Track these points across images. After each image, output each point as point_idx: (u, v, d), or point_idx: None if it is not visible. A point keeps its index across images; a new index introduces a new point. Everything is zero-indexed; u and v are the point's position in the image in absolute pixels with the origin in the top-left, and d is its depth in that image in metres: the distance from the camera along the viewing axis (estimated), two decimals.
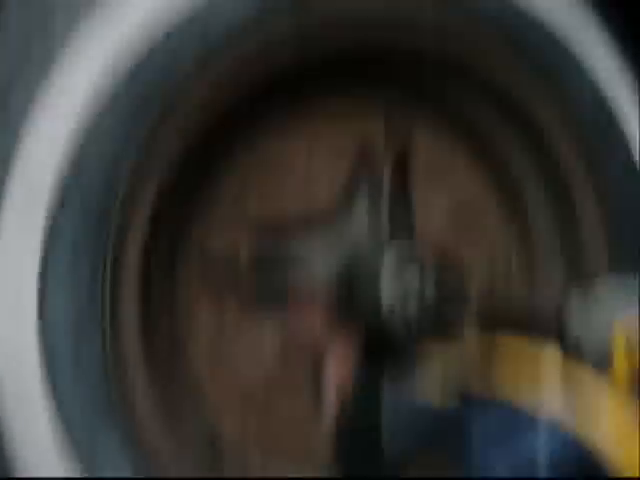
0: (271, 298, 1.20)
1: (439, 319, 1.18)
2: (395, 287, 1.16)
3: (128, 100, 0.96)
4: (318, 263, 1.21)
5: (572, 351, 1.07)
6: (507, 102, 1.31)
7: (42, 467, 0.92)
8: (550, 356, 1.06)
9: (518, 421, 1.02)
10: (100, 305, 0.95)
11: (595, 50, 1.31)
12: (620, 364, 1.01)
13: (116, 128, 0.96)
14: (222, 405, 1.18)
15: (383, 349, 1.20)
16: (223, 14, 1.01)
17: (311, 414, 1.21)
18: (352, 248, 1.22)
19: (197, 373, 1.17)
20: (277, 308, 1.21)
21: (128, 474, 0.97)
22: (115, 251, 0.97)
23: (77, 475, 0.92)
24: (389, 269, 1.17)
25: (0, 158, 0.91)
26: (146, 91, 0.97)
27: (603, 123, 1.32)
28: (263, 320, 1.21)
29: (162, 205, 1.05)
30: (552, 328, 1.11)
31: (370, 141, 1.28)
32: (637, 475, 0.97)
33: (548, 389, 1.03)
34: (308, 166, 1.24)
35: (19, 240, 0.91)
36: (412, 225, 1.29)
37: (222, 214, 1.18)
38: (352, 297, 1.18)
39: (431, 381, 1.13)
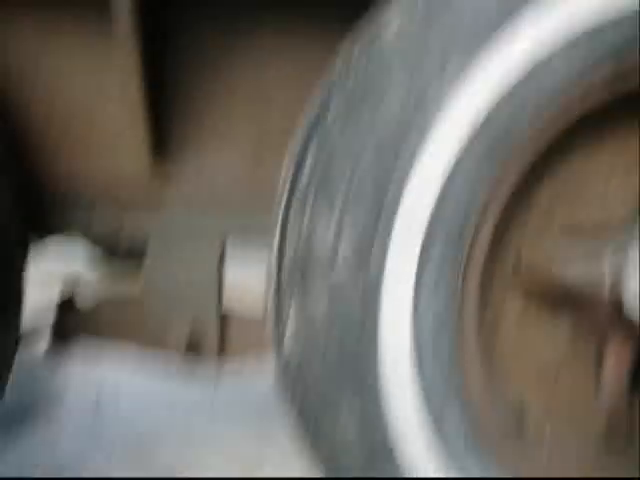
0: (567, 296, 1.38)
1: None
2: None
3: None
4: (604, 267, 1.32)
5: None
6: None
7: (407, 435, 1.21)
8: None
9: None
10: (452, 311, 1.22)
11: None
12: None
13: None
14: (524, 381, 1.41)
15: None
16: None
17: (592, 395, 1.42)
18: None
19: (505, 357, 1.40)
20: (571, 304, 1.39)
21: (463, 443, 1.25)
22: (464, 268, 1.21)
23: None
24: None
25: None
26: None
27: None
28: (559, 314, 1.40)
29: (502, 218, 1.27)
30: None
31: None
32: None
33: None
34: (607, 180, 1.36)
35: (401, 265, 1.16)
36: None
37: (535, 223, 1.35)
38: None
39: None
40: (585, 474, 1.42)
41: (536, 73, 1.15)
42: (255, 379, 3.03)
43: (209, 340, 1.77)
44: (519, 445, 1.37)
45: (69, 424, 2.56)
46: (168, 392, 2.97)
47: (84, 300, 1.87)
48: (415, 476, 1.23)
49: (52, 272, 3.69)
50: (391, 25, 1.20)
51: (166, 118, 1.68)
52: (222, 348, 1.79)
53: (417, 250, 1.16)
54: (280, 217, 1.25)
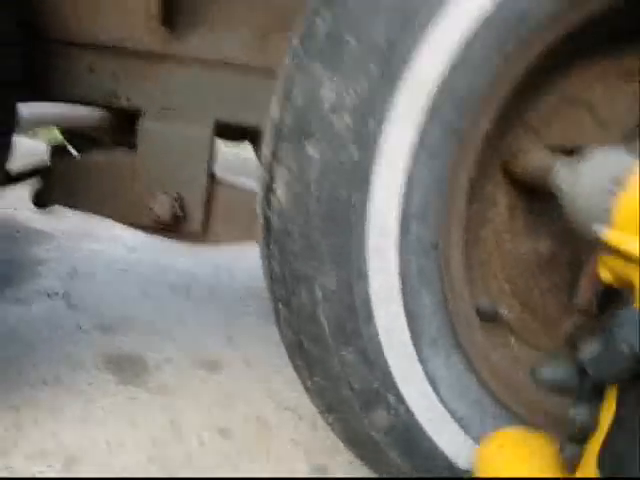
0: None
1: None
2: None
3: None
4: None
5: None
6: None
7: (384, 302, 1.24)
8: None
9: None
10: (444, 183, 1.23)
11: None
12: None
13: None
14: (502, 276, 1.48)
15: None
16: None
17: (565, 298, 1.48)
18: None
19: (488, 252, 1.46)
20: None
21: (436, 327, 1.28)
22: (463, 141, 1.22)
23: None
24: None
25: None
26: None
27: None
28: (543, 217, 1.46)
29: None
30: None
31: None
32: None
33: None
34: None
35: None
36: None
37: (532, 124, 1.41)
38: None
39: None
40: None
41: None
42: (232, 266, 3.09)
43: (194, 214, 1.77)
44: (492, 334, 1.41)
45: (43, 289, 2.58)
46: (144, 269, 3.00)
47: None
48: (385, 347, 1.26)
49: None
50: None
51: None
52: (206, 226, 1.79)
53: (418, 122, 1.17)
54: (285, 78, 1.24)
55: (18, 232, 3.19)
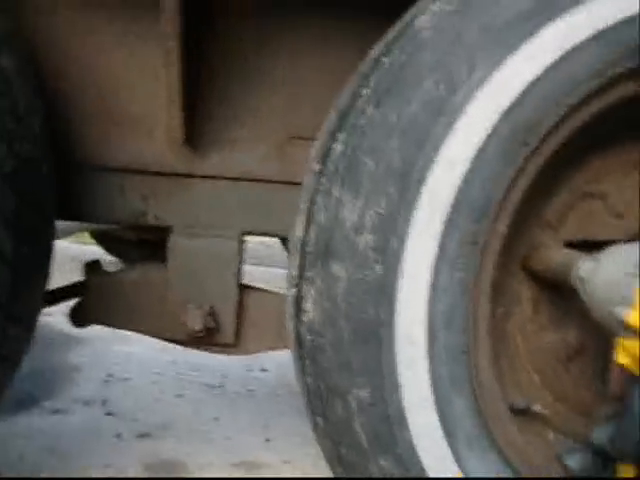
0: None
1: None
2: None
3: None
4: None
5: None
6: None
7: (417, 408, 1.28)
8: None
9: None
10: (467, 294, 1.27)
11: None
12: None
13: None
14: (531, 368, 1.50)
15: None
16: None
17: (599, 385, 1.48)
18: None
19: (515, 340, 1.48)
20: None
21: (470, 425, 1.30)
22: (481, 254, 1.28)
23: None
24: None
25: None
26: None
27: None
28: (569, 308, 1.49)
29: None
30: None
31: None
32: None
33: None
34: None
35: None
36: None
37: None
38: None
39: None
40: None
41: (562, 65, 1.22)
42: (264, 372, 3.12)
43: (226, 326, 1.82)
44: (526, 427, 1.42)
45: (80, 397, 2.62)
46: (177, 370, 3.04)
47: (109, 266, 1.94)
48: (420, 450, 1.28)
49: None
50: (425, 15, 1.26)
51: (200, 105, 1.74)
52: (238, 335, 1.84)
53: (438, 231, 1.22)
54: (307, 198, 1.31)
55: (53, 338, 3.26)
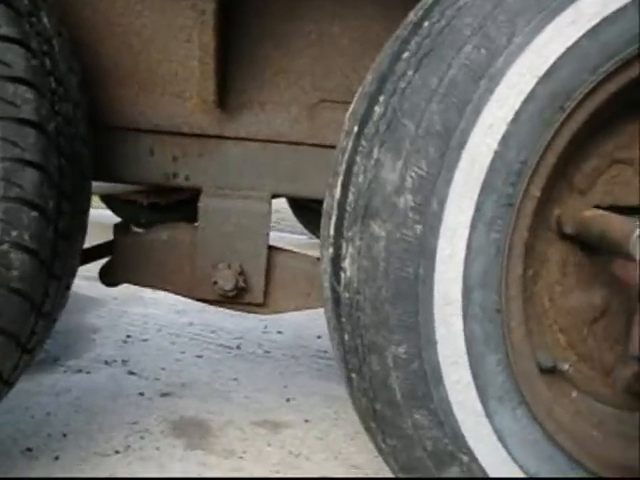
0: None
1: None
2: None
3: None
4: None
5: None
6: None
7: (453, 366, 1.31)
8: None
9: None
10: (501, 253, 1.30)
11: None
12: None
13: None
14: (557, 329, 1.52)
15: None
16: None
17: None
18: None
19: (542, 301, 1.50)
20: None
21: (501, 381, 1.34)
22: (517, 213, 1.31)
23: None
24: None
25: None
26: None
27: None
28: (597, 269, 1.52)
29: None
30: None
31: None
32: None
33: None
34: None
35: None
36: None
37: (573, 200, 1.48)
38: None
39: None
40: (607, 422, 1.52)
41: (601, 31, 1.25)
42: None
43: (255, 286, 1.86)
44: (552, 385, 1.47)
45: (101, 357, 2.67)
46: (194, 332, 3.08)
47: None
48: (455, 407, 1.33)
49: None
50: None
51: (232, 67, 1.76)
52: (267, 295, 1.88)
53: (476, 193, 1.25)
54: (346, 159, 1.33)
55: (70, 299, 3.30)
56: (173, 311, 3.30)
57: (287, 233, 5.53)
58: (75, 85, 1.53)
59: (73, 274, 1.63)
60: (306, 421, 2.29)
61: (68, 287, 1.60)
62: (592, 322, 1.54)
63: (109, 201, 4.93)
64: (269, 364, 2.79)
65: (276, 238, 4.96)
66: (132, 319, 3.18)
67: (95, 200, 5.04)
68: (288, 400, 2.45)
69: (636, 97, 1.40)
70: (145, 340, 2.93)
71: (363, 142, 1.30)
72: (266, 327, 3.21)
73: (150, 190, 4.01)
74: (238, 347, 2.95)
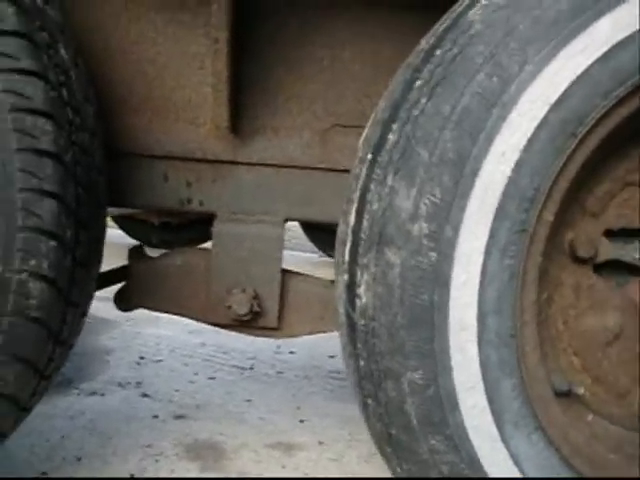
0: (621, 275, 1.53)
1: None
2: None
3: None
4: None
5: None
6: None
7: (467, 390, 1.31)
8: None
9: None
10: (515, 280, 1.31)
11: None
12: None
13: None
14: (572, 352, 1.53)
15: None
16: None
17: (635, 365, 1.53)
18: None
19: (556, 324, 1.51)
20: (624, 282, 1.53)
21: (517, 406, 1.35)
22: (530, 240, 1.31)
23: None
24: None
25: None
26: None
27: None
28: (610, 292, 1.52)
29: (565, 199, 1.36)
30: None
31: None
32: None
33: None
34: None
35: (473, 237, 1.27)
36: None
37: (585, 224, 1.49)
38: None
39: None
40: (624, 445, 1.52)
41: (610, 58, 1.26)
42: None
43: (269, 310, 1.87)
44: (568, 409, 1.47)
45: (115, 379, 2.68)
46: (207, 353, 3.09)
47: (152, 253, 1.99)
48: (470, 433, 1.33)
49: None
50: (476, 8, 1.30)
51: (245, 93, 1.78)
52: (280, 320, 1.89)
53: (489, 219, 1.26)
54: (360, 186, 1.35)
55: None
56: (186, 332, 3.31)
57: (298, 251, 5.53)
58: (91, 114, 1.55)
59: (89, 301, 1.64)
60: (320, 443, 2.30)
61: (84, 314, 1.61)
62: (607, 345, 1.54)
63: (121, 221, 4.97)
64: (282, 385, 2.80)
65: (287, 256, 4.99)
66: (145, 340, 3.19)
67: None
68: (302, 421, 2.45)
69: None
70: (158, 361, 2.94)
71: (377, 170, 1.32)
72: (279, 347, 3.22)
73: (162, 211, 4.04)
74: (251, 368, 2.96)
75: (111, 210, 3.95)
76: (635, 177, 1.50)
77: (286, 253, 5.08)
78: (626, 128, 1.38)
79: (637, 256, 1.53)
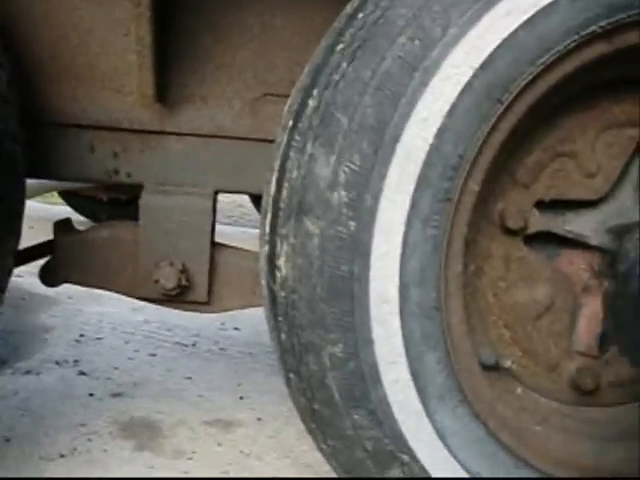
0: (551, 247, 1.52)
1: None
2: None
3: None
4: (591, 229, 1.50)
5: None
6: None
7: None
8: None
9: None
10: (440, 249, 1.27)
11: None
12: None
13: None
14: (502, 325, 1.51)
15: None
16: None
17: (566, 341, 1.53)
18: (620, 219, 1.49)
19: (486, 297, 1.49)
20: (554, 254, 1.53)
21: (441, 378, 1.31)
22: (455, 207, 1.28)
23: None
24: None
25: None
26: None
27: None
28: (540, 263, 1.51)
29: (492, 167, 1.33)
30: None
31: None
32: None
33: None
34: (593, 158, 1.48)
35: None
36: None
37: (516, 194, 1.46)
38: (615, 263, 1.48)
39: None
40: (551, 417, 1.51)
41: (536, 23, 1.23)
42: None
43: (199, 284, 1.82)
44: (496, 382, 1.45)
45: (52, 358, 2.62)
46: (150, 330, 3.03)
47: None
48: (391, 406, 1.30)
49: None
50: None
51: (172, 61, 1.72)
52: (211, 294, 1.84)
53: (411, 188, 1.22)
54: (280, 154, 1.30)
55: (24, 299, 3.24)
56: (129, 309, 3.24)
57: (250, 228, 5.47)
58: (4, 81, 1.48)
59: (6, 277, 1.57)
60: (259, 419, 2.26)
61: (1, 290, 1.55)
62: (537, 317, 1.52)
63: (68, 198, 4.85)
64: (224, 362, 2.76)
65: (238, 233, 4.93)
66: (87, 318, 3.12)
67: (55, 197, 4.97)
68: (241, 398, 2.42)
69: (575, 91, 1.38)
70: (99, 339, 2.88)
71: (297, 137, 1.27)
72: (223, 324, 3.17)
73: (110, 185, 3.95)
74: (194, 345, 2.91)
75: (59, 185, 3.84)
76: (566, 147, 1.48)
77: (237, 230, 5.03)
78: (555, 96, 1.36)
79: (567, 228, 1.51)
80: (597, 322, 1.53)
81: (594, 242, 1.50)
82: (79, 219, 4.38)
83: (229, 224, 5.45)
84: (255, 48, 1.73)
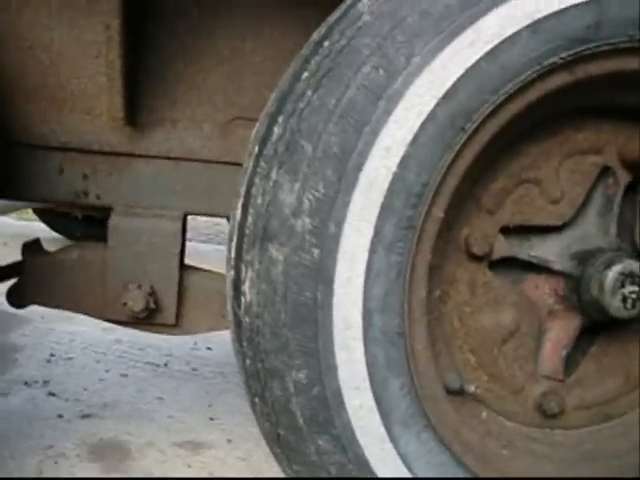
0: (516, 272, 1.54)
1: None
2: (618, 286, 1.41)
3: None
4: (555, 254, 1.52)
5: None
6: None
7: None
8: None
9: None
10: (404, 277, 1.28)
11: None
12: None
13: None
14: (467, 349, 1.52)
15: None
16: None
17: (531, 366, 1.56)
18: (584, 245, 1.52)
19: (452, 322, 1.50)
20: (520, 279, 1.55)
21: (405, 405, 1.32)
22: (419, 235, 1.29)
23: None
24: (616, 268, 1.41)
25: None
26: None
27: None
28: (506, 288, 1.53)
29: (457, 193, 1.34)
30: None
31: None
32: None
33: None
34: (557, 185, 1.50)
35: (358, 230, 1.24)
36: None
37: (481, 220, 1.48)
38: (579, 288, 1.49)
39: None
40: (516, 440, 1.52)
41: (499, 53, 1.24)
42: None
43: (167, 306, 1.82)
44: (461, 407, 1.46)
45: (21, 378, 2.59)
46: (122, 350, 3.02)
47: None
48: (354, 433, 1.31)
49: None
50: (364, 1, 1.27)
51: (142, 83, 1.73)
52: (180, 316, 1.84)
53: (374, 216, 1.23)
54: (246, 180, 1.31)
55: None
56: (101, 329, 3.21)
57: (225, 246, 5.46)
58: None
59: None
60: (229, 441, 2.26)
61: None
62: (502, 342, 1.54)
63: (42, 215, 4.82)
64: (196, 382, 2.75)
65: (213, 251, 4.92)
66: (58, 337, 3.10)
67: (30, 213, 4.94)
68: (212, 419, 2.41)
69: (538, 119, 1.40)
70: (70, 359, 2.86)
71: (262, 163, 1.28)
72: (196, 344, 3.16)
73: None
74: (166, 365, 2.90)
75: (31, 203, 3.81)
76: (531, 174, 1.50)
77: (213, 247, 4.99)
78: (518, 125, 1.37)
79: (532, 253, 1.52)
80: (562, 346, 1.55)
81: (558, 267, 1.51)
82: (53, 236, 4.36)
83: (205, 242, 5.44)
84: (225, 72, 1.74)
